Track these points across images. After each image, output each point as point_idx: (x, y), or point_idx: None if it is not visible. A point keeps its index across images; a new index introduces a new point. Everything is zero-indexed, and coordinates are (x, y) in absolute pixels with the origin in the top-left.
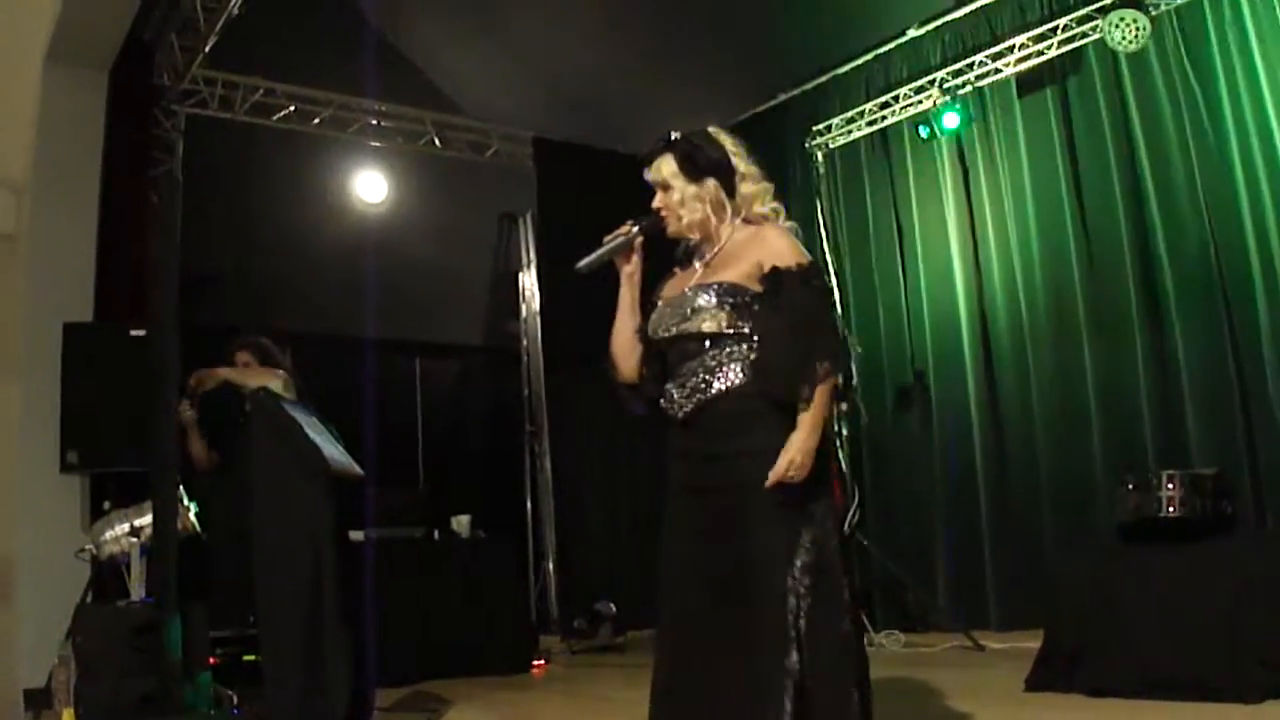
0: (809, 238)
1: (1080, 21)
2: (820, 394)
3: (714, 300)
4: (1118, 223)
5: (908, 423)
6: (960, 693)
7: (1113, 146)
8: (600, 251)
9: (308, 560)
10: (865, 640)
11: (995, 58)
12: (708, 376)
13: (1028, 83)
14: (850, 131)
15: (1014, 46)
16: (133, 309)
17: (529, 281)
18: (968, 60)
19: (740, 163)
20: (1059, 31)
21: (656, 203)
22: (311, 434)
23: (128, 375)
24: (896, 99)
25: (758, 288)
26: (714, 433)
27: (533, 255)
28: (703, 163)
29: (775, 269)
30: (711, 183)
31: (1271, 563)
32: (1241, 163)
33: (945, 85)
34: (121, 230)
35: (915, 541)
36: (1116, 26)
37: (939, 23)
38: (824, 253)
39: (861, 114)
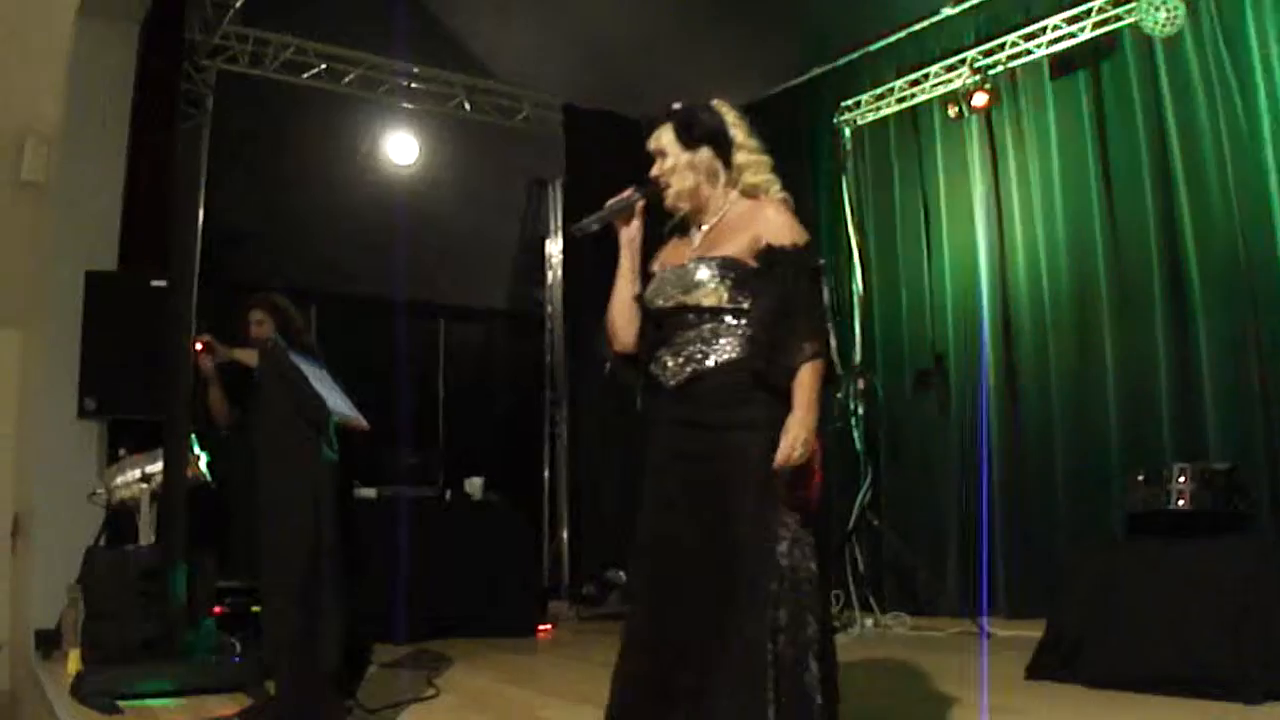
0: (834, 215)
1: (1115, 4)
2: (808, 374)
3: (714, 274)
4: (1145, 211)
5: (925, 405)
6: (960, 678)
7: (1144, 133)
8: (601, 213)
9: (308, 510)
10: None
11: (1028, 38)
12: (704, 348)
13: (1060, 65)
14: (879, 109)
15: (1047, 27)
16: (156, 260)
17: (555, 248)
18: (999, 40)
19: (738, 133)
20: (1094, 14)
21: (654, 171)
22: (318, 385)
23: (148, 325)
24: (927, 77)
25: (755, 263)
26: (705, 403)
27: (560, 222)
28: (698, 131)
29: (769, 246)
30: (706, 151)
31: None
32: (1274, 154)
33: (976, 64)
34: (149, 182)
35: (927, 524)
36: (1152, 10)
37: (973, 2)
38: (848, 231)
39: (891, 91)
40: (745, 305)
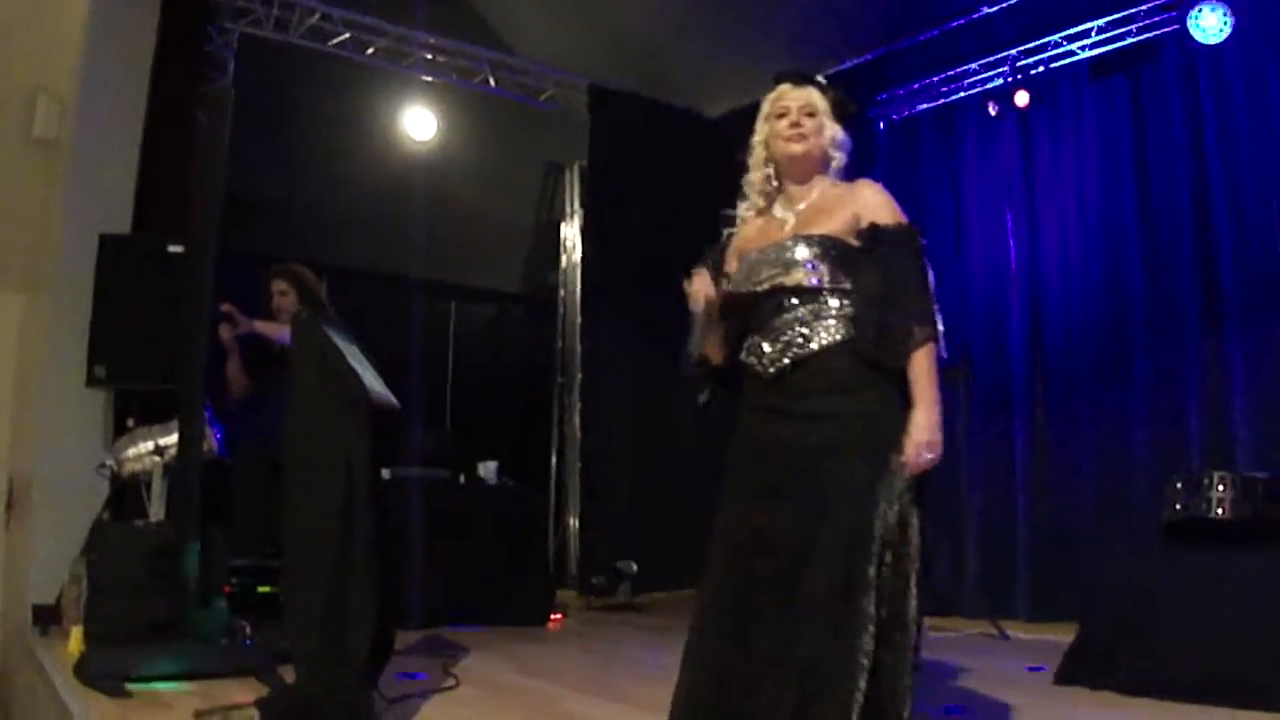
0: None
1: (1163, 9)
2: (923, 362)
3: (815, 252)
4: (1181, 217)
5: (950, 405)
6: (989, 682)
7: (1183, 140)
8: (695, 332)
9: (339, 491)
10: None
11: (1070, 39)
12: (805, 331)
13: (1100, 67)
14: (914, 104)
15: (1091, 30)
16: (172, 225)
17: (571, 232)
18: (1041, 40)
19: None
20: (1139, 17)
21: (793, 118)
22: (353, 363)
23: (162, 291)
24: (965, 74)
25: (856, 242)
26: (806, 391)
27: (576, 206)
28: (845, 113)
29: (875, 225)
30: (841, 134)
31: None
32: None
33: (1017, 64)
34: (166, 144)
35: (948, 524)
36: (1203, 14)
37: (1013, 1)
38: None
39: (927, 87)
40: (846, 285)
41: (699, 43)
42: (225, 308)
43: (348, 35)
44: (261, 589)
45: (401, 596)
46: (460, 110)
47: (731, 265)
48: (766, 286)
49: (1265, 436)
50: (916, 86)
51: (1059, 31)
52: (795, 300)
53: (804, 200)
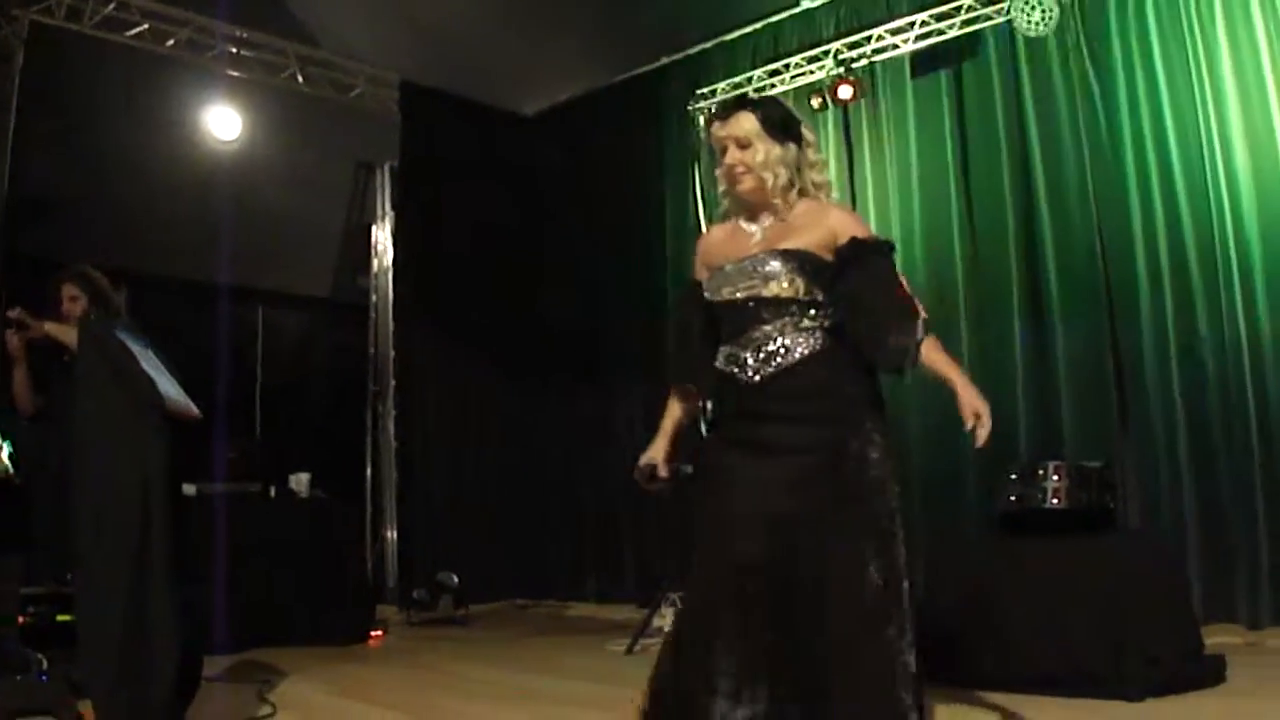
0: (683, 203)
1: (985, 3)
2: (934, 354)
3: (789, 266)
4: (1003, 211)
5: None
6: None
7: (1004, 135)
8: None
9: (135, 508)
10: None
11: (894, 32)
12: (785, 342)
13: (922, 62)
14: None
15: (915, 23)
16: None
17: (382, 235)
18: (865, 33)
19: (808, 133)
20: (963, 10)
21: (731, 159)
22: (146, 367)
23: None
24: (787, 67)
25: (829, 257)
26: (796, 397)
27: (388, 208)
28: (791, 127)
29: (855, 239)
30: (794, 148)
31: (1155, 560)
32: (1134, 159)
33: (840, 57)
34: None
35: None
36: (1027, 10)
37: None
38: (697, 219)
39: (749, 80)
40: (820, 298)
41: (514, 40)
42: (14, 313)
43: (146, 26)
44: (61, 617)
45: (209, 619)
46: (267, 108)
47: (701, 274)
48: (742, 297)
49: (1089, 426)
50: (739, 80)
51: (881, 25)
52: (771, 312)
53: (772, 217)
